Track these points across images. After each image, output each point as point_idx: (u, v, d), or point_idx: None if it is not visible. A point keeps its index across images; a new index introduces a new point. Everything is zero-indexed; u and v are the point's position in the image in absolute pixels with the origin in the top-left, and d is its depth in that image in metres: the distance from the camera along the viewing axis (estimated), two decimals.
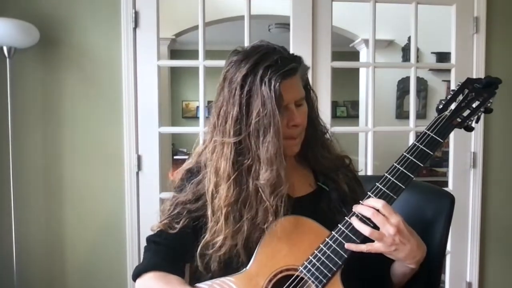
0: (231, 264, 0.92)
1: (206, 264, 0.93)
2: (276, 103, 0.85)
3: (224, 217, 0.90)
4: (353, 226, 0.86)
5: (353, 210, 0.88)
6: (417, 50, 2.18)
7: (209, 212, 0.93)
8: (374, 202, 0.86)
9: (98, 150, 1.97)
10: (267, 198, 0.88)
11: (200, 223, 0.96)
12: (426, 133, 0.90)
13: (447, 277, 2.16)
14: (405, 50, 3.85)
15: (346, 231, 0.87)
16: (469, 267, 2.15)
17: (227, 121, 0.90)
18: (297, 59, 0.94)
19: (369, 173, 2.11)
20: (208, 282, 0.90)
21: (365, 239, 0.86)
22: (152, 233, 1.02)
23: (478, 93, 0.92)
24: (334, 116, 5.32)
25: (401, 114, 3.92)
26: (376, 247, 0.84)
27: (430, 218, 1.14)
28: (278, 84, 0.85)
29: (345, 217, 0.88)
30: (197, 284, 0.90)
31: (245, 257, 0.91)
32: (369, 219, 0.85)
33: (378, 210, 0.85)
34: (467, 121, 0.91)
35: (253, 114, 0.87)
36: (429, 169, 4.06)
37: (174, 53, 4.49)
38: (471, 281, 2.15)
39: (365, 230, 0.84)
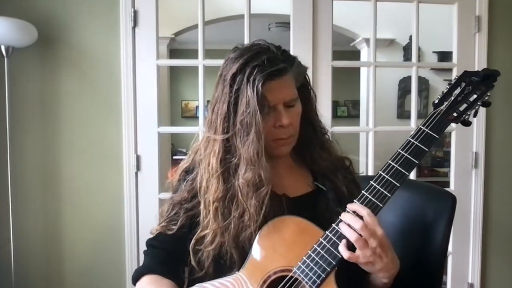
0: (221, 261, 0.92)
1: (198, 260, 0.93)
2: (258, 103, 0.86)
3: (212, 212, 0.91)
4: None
5: (340, 217, 0.86)
6: (419, 49, 2.16)
7: (201, 207, 0.94)
8: (359, 208, 0.85)
9: (96, 150, 1.96)
10: (245, 199, 0.89)
11: (196, 220, 0.96)
12: (421, 129, 0.88)
13: (449, 278, 2.14)
14: (406, 49, 3.84)
15: (340, 231, 0.85)
16: (471, 268, 2.14)
17: (218, 118, 0.91)
18: (289, 60, 0.94)
19: (370, 173, 2.09)
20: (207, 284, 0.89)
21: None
22: (151, 236, 1.02)
23: (475, 86, 0.89)
24: (335, 116, 5.27)
25: (402, 113, 3.90)
26: (356, 256, 0.83)
27: (431, 219, 1.13)
28: (260, 84, 0.86)
29: (340, 217, 0.87)
30: (202, 283, 0.90)
31: (237, 255, 0.91)
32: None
33: (362, 217, 0.84)
34: (464, 115, 0.89)
35: (238, 113, 0.88)
36: (431, 169, 4.04)
37: (174, 52, 4.47)
38: (473, 282, 2.14)
39: (351, 236, 0.83)
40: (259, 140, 0.87)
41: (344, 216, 0.86)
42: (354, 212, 0.85)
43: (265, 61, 0.88)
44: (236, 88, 0.88)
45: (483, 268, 2.15)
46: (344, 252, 0.83)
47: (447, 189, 1.88)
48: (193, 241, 0.93)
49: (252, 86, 0.86)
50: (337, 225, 0.86)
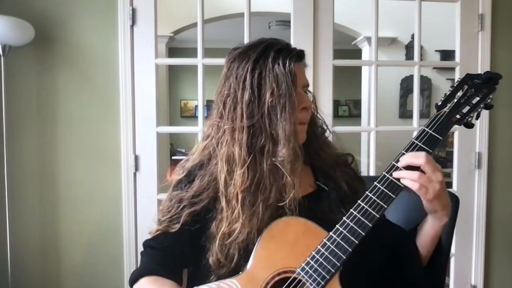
0: (248, 249, 0.90)
1: (226, 254, 0.92)
2: (292, 81, 0.89)
3: (240, 203, 0.90)
4: (351, 227, 0.84)
5: (390, 175, 0.86)
6: (421, 48, 2.13)
7: (223, 203, 0.92)
8: (414, 158, 0.85)
9: (94, 150, 1.94)
10: (288, 174, 0.90)
11: (203, 220, 0.94)
12: (424, 130, 0.89)
13: (452, 280, 2.12)
14: (409, 48, 3.81)
15: (345, 232, 0.85)
16: (473, 269, 2.12)
17: (237, 107, 0.92)
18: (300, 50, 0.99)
19: (372, 173, 2.07)
20: (211, 284, 0.88)
21: (361, 242, 0.83)
22: (149, 237, 1.00)
23: (477, 89, 0.91)
24: (336, 115, 5.30)
25: (405, 113, 3.87)
26: (423, 191, 0.83)
27: None
28: (292, 63, 0.90)
29: (344, 218, 0.86)
30: (201, 286, 0.88)
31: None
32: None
33: (419, 167, 0.84)
34: (467, 117, 0.90)
35: (266, 95, 0.90)
36: None
37: (172, 51, 4.45)
38: (475, 284, 2.12)
39: (413, 185, 0.83)
40: (293, 116, 0.90)
41: (398, 173, 0.86)
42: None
43: (289, 46, 0.94)
44: (259, 73, 0.90)
45: (486, 270, 2.13)
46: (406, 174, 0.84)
47: (449, 189, 1.84)
48: (217, 239, 0.91)
49: (283, 65, 0.89)
50: (342, 226, 0.85)
